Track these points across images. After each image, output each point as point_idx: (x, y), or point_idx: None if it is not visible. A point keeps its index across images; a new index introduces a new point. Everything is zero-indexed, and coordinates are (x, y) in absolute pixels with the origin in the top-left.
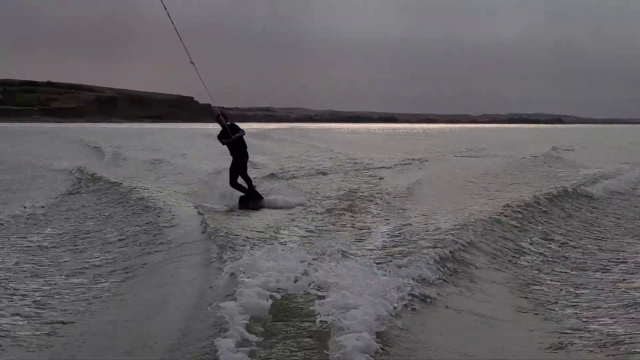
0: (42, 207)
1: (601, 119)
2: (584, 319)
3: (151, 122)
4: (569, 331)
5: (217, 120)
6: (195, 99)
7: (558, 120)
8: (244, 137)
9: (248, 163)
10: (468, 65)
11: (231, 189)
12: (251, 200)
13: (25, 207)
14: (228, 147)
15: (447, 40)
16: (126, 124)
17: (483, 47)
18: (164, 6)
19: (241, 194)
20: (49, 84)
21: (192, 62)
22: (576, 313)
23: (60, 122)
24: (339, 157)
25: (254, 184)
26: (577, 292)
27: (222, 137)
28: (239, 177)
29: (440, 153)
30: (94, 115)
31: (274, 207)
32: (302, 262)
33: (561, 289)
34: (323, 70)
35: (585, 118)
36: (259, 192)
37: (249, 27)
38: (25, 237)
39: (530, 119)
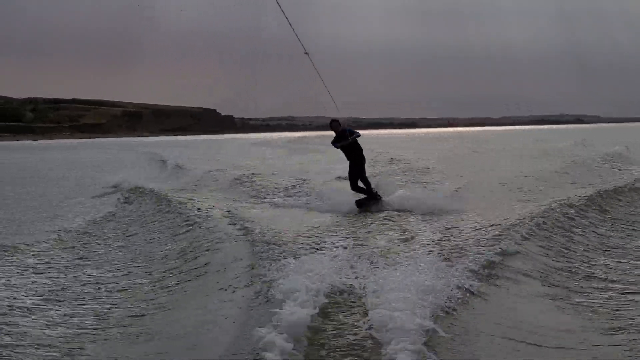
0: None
1: (624, 118)
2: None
3: (174, 134)
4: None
5: (331, 127)
6: (217, 110)
7: (579, 120)
8: (359, 139)
9: (366, 166)
10: (483, 68)
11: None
12: (371, 202)
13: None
14: (344, 152)
15: (460, 44)
16: (153, 137)
17: (497, 49)
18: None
19: (362, 196)
20: (74, 100)
21: (306, 53)
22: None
23: (91, 138)
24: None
25: (372, 186)
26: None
27: (337, 141)
28: (359, 180)
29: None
30: (120, 130)
31: (393, 209)
32: (347, 267)
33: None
34: (341, 78)
35: (606, 117)
36: (377, 194)
37: (260, 38)
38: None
39: (551, 120)
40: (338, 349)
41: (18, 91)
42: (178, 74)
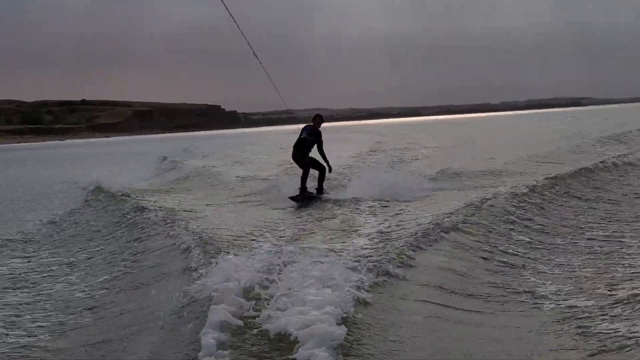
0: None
1: (620, 99)
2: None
3: (183, 131)
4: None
5: (316, 120)
6: (222, 106)
7: (577, 103)
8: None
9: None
10: (480, 55)
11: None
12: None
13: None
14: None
15: (455, 31)
16: (164, 134)
17: (492, 35)
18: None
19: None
20: (83, 102)
21: (255, 55)
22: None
23: (108, 137)
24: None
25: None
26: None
27: (306, 134)
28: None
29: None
30: (134, 128)
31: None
32: (267, 265)
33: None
34: (337, 70)
35: (605, 99)
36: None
37: (255, 33)
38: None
39: (548, 104)
40: (250, 352)
41: (26, 94)
42: (180, 72)
